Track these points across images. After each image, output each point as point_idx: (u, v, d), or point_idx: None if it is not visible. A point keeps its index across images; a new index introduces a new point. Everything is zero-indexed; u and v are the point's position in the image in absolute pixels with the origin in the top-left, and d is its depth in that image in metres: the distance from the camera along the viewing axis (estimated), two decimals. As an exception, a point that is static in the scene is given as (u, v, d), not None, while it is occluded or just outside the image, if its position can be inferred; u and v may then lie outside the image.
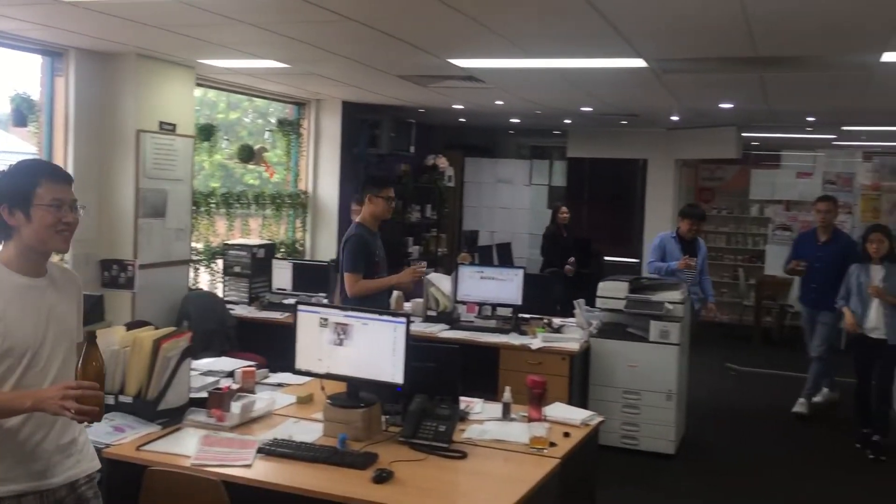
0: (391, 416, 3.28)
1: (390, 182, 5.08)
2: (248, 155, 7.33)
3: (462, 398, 3.59)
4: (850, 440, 6.04)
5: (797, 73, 5.46)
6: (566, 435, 3.29)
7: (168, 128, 5.93)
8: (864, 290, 5.85)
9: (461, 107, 8.43)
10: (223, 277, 6.70)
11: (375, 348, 3.19)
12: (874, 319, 5.83)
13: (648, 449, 5.61)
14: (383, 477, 2.71)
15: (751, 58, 4.81)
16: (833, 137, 10.36)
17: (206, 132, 6.72)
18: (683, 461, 5.65)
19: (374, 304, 4.62)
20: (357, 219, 4.95)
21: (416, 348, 3.32)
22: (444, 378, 3.36)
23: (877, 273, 5.86)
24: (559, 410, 3.64)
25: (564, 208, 8.64)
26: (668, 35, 4.42)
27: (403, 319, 3.20)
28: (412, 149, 9.14)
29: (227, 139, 7.72)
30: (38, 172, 2.28)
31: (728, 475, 5.50)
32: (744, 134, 9.90)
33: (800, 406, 6.84)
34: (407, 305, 6.16)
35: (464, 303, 5.87)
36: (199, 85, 6.46)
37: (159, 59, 5.77)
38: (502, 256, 9.43)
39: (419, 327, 5.52)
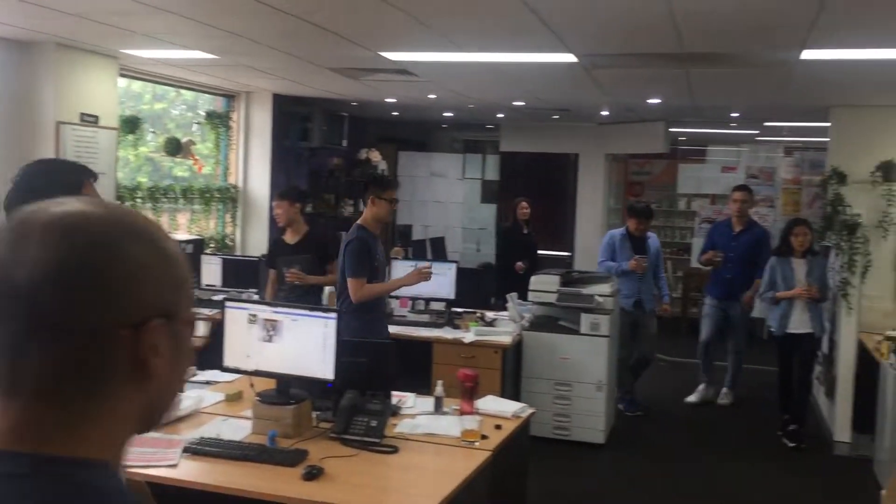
0: (322, 413, 3.25)
1: (394, 184, 4.84)
2: (175, 148, 7.17)
3: (394, 393, 3.58)
4: (774, 429, 6.22)
5: (721, 70, 5.59)
6: (498, 427, 3.31)
7: (90, 119, 5.75)
8: (790, 284, 5.91)
9: (394, 100, 8.39)
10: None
11: (305, 344, 3.16)
12: (799, 313, 5.93)
13: (579, 439, 5.69)
14: (313, 474, 2.68)
15: (677, 54, 4.90)
16: (756, 133, 10.66)
17: (131, 124, 6.55)
18: (613, 450, 5.75)
19: (373, 306, 4.54)
20: (358, 221, 4.75)
21: (347, 344, 3.31)
22: (375, 373, 3.36)
23: (800, 267, 5.92)
24: (491, 403, 3.66)
25: (524, 203, 8.14)
26: (598, 31, 4.47)
27: (334, 315, 3.17)
28: (345, 142, 9.08)
29: (154, 132, 7.52)
30: (81, 171, 2.14)
31: (655, 463, 5.62)
32: (671, 129, 10.10)
33: (724, 397, 7.01)
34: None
35: (397, 297, 5.86)
36: (122, 75, 6.27)
37: (80, 49, 5.59)
38: (436, 250, 9.44)
39: (352, 322, 5.48)
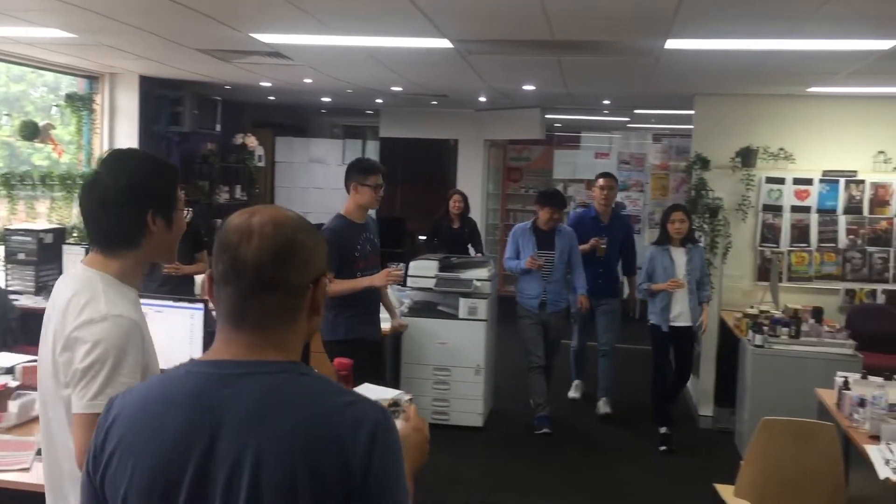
0: (190, 407, 3.14)
1: (378, 168, 4.38)
2: (31, 132, 6.74)
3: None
4: (643, 407, 6.32)
5: (591, 58, 5.72)
6: (373, 415, 3.28)
7: (-67, 101, 5.33)
8: (670, 275, 5.59)
9: (269, 84, 8.19)
10: (5, 265, 6.14)
11: (171, 337, 3.02)
12: (679, 306, 5.65)
13: (458, 423, 5.75)
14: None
15: (548, 41, 4.97)
16: (627, 120, 11.03)
17: (-19, 106, 6.11)
18: (491, 433, 5.84)
19: (353, 304, 4.26)
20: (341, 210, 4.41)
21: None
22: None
23: (679, 257, 5.64)
24: (367, 391, 3.62)
25: (458, 196, 7.66)
26: (470, 16, 4.48)
27: (201, 306, 3.06)
28: (218, 127, 8.78)
29: (9, 115, 7.05)
30: (173, 170, 1.98)
31: (531, 445, 5.74)
32: (547, 116, 10.31)
33: (603, 405, 6.45)
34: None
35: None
36: (-30, 54, 5.84)
37: (-81, 24, 5.16)
38: (315, 237, 9.29)
39: (225, 312, 5.32)
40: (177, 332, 3.03)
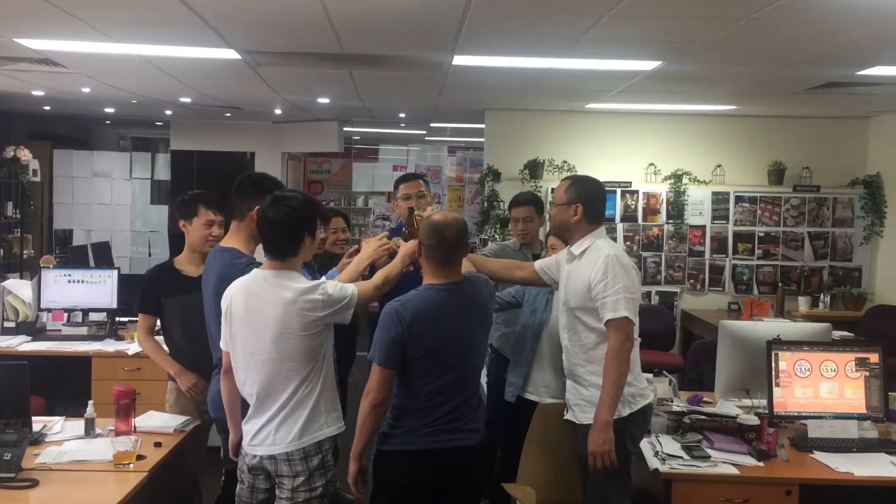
0: (-57, 451, 2.82)
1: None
2: None
3: (39, 418, 3.23)
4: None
5: (382, 72, 5.78)
6: (157, 445, 3.11)
7: None
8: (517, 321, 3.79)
9: (42, 93, 7.59)
10: None
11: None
12: (540, 371, 3.69)
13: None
14: (-74, 525, 2.31)
15: (338, 54, 4.97)
16: (424, 133, 11.26)
17: None
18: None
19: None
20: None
21: (-28, 369, 2.90)
22: (10, 398, 2.99)
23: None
24: (153, 420, 3.44)
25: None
26: (256, 28, 4.38)
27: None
28: (-16, 139, 8.03)
29: None
30: (316, 204, 3.01)
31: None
32: (345, 129, 10.31)
33: None
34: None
35: (49, 310, 5.31)
36: None
37: None
38: (100, 256, 8.74)
39: (-8, 342, 4.87)
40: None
